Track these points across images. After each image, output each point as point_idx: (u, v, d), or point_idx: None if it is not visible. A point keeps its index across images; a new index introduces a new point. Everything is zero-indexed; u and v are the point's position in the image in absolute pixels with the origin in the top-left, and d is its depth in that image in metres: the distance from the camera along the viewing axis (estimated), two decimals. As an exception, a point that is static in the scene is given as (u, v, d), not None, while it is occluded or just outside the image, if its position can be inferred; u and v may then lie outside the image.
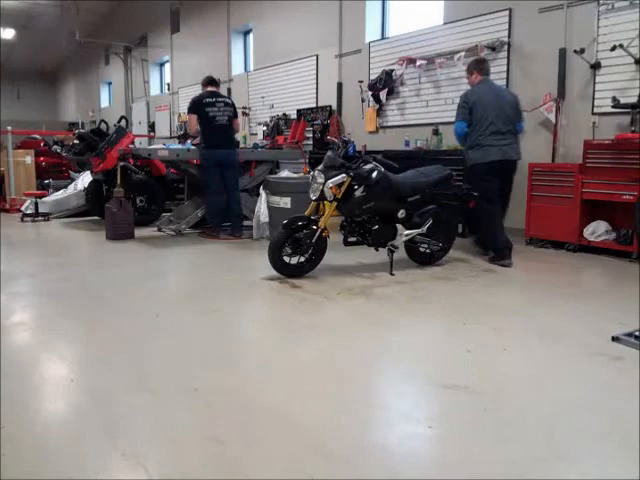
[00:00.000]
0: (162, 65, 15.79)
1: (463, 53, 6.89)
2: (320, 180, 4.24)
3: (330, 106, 9.20)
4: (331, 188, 4.19)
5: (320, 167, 4.35)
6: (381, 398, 2.45)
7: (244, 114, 11.27)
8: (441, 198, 4.73)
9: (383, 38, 8.52)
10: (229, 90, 11.94)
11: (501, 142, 4.80)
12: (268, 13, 10.52)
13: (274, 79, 10.52)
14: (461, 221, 6.12)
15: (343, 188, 4.25)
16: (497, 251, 4.91)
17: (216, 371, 2.61)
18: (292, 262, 4.33)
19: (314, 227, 4.28)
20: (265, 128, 10.53)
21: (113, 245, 6.06)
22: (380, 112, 8.36)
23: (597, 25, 5.73)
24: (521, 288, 4.27)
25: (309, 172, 4.36)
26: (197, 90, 13.21)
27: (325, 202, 4.34)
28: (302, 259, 4.33)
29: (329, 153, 4.39)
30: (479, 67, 5.10)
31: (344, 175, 4.24)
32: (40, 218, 7.95)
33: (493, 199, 4.87)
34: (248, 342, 3.16)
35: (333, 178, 4.21)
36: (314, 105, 9.60)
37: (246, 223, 6.79)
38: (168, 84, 14.76)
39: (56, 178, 9.81)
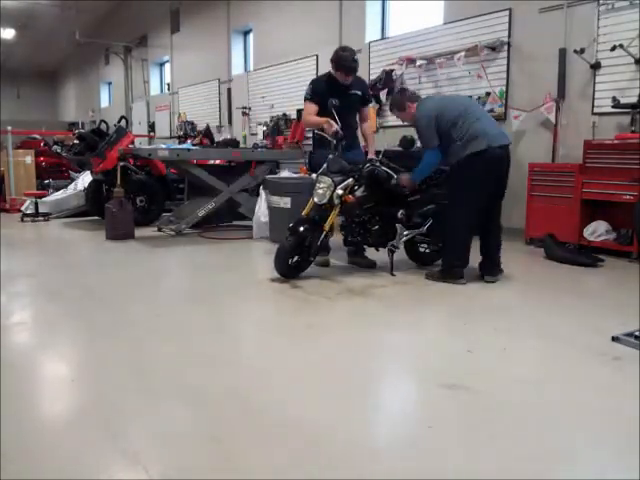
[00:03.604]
0: (162, 65, 15.78)
1: (463, 53, 6.90)
2: (326, 185, 4.19)
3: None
4: (342, 195, 4.16)
5: (323, 170, 4.31)
6: (381, 398, 2.45)
7: (244, 114, 11.28)
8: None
9: (383, 38, 8.52)
10: (229, 90, 11.95)
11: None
12: (268, 13, 10.52)
13: (274, 79, 10.52)
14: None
15: (347, 190, 4.25)
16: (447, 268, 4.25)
17: (216, 371, 2.61)
18: (292, 263, 4.31)
19: (319, 230, 4.26)
20: (265, 128, 10.53)
21: (113, 245, 6.06)
22: (380, 112, 8.36)
23: (597, 25, 5.73)
24: (521, 288, 4.27)
25: (308, 173, 4.32)
26: (197, 90, 13.34)
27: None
28: (300, 259, 4.31)
29: (331, 156, 4.36)
30: (408, 97, 4.49)
31: (351, 179, 4.24)
32: (40, 218, 7.94)
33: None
34: (248, 342, 3.16)
35: (341, 183, 4.19)
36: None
37: (246, 223, 6.79)
38: (168, 84, 14.76)
39: (56, 178, 9.81)
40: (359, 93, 4.85)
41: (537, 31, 6.30)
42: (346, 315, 3.54)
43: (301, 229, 4.19)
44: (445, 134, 4.16)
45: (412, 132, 7.60)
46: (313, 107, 4.68)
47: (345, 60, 4.72)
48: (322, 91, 4.69)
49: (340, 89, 4.72)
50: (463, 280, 4.20)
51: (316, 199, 4.24)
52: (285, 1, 10.03)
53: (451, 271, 4.23)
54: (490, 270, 4.34)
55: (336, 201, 4.18)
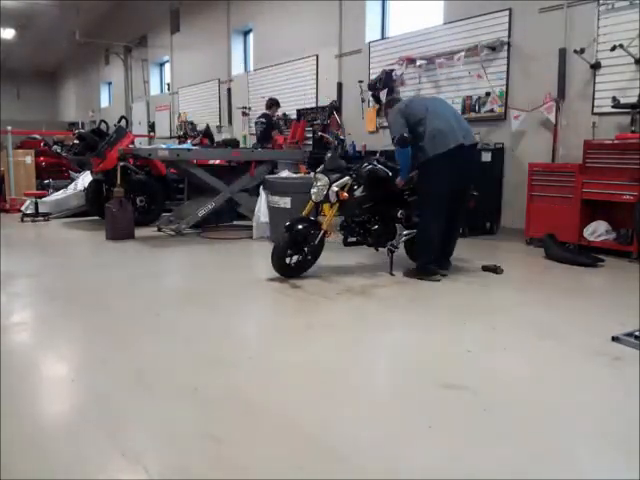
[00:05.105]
0: (162, 65, 15.79)
1: (463, 53, 6.90)
2: (322, 183, 4.21)
3: (333, 100, 9.15)
4: (338, 192, 4.17)
5: (321, 168, 4.33)
6: (381, 398, 2.45)
7: (244, 114, 11.27)
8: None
9: (383, 38, 8.53)
10: (229, 90, 11.96)
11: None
12: (268, 13, 10.52)
13: (274, 79, 10.52)
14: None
15: (346, 189, 4.25)
16: (420, 265, 4.37)
17: (216, 371, 2.61)
18: (290, 262, 4.31)
19: (317, 229, 4.26)
20: (265, 128, 10.51)
21: (113, 245, 6.06)
22: (380, 112, 8.35)
23: (597, 25, 5.74)
24: (521, 288, 4.27)
25: (308, 172, 4.34)
26: (197, 90, 13.34)
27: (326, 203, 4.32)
28: (300, 258, 4.31)
29: (329, 154, 4.38)
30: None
31: (348, 177, 4.25)
32: (40, 218, 7.94)
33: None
34: (248, 342, 3.16)
35: (337, 181, 4.19)
36: (314, 105, 9.60)
37: (246, 223, 6.79)
38: (168, 84, 14.76)
39: (56, 178, 9.80)
40: None
41: (537, 31, 6.30)
42: (346, 315, 3.53)
43: (297, 227, 4.21)
44: (412, 130, 4.27)
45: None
46: None
47: None
48: None
49: None
50: (438, 277, 4.29)
51: (313, 197, 4.26)
52: (285, 1, 10.03)
53: (425, 269, 4.33)
54: (444, 264, 4.49)
55: (332, 198, 4.19)
